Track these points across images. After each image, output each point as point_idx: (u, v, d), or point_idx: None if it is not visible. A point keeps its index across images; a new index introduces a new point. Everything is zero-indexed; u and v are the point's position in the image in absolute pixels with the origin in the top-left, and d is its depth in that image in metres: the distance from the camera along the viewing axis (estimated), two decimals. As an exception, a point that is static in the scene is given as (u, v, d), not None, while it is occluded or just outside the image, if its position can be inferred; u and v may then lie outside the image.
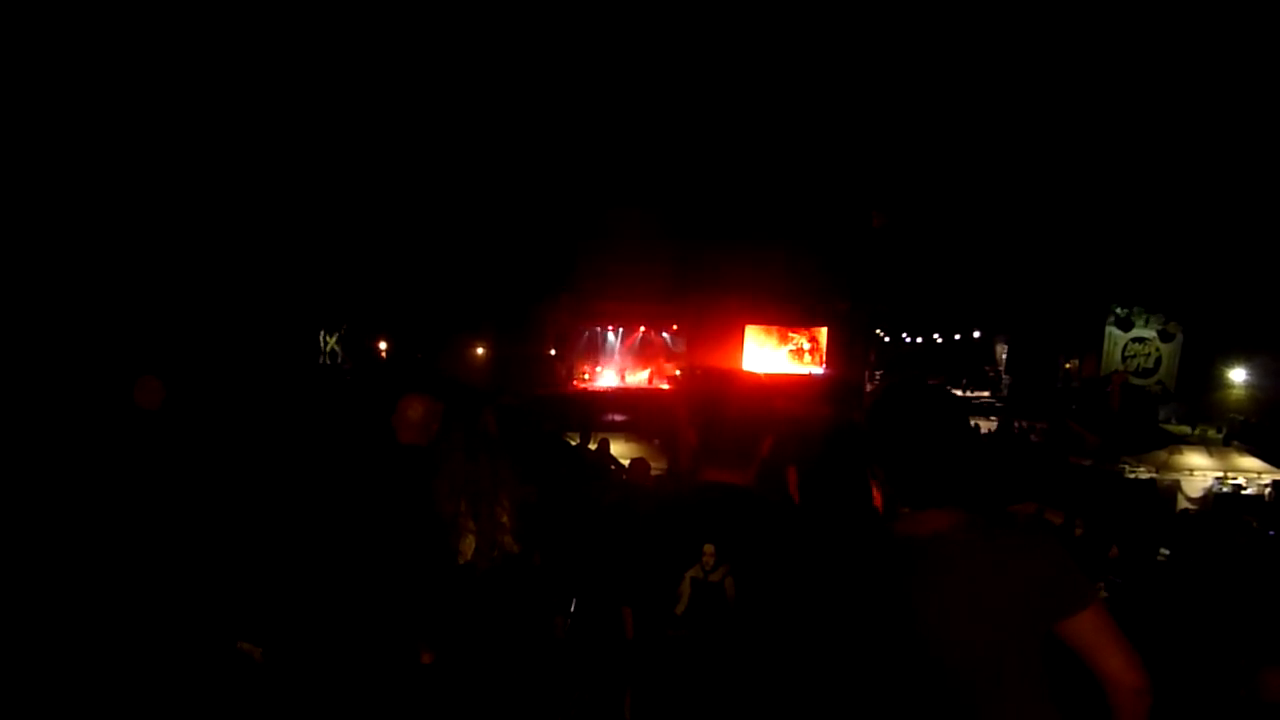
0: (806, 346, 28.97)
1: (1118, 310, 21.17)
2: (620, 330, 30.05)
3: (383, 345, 27.57)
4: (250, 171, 18.36)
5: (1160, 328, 21.25)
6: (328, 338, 24.42)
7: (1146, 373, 21.45)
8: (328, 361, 24.36)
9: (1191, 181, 20.55)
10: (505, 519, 3.02)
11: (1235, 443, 18.56)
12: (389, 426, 3.43)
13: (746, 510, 1.93)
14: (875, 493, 2.04)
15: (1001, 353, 33.40)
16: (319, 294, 22.27)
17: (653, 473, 8.34)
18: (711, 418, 2.09)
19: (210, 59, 16.55)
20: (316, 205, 20.75)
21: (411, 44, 20.11)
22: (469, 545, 3.01)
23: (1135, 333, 21.35)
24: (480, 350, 28.46)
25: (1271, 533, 11.40)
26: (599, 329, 29.91)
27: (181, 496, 4.05)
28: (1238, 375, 22.52)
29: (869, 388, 28.24)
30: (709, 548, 1.85)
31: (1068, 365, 28.56)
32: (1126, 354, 21.50)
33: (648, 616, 1.89)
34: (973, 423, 24.29)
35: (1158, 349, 21.36)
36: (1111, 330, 21.39)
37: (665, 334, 29.87)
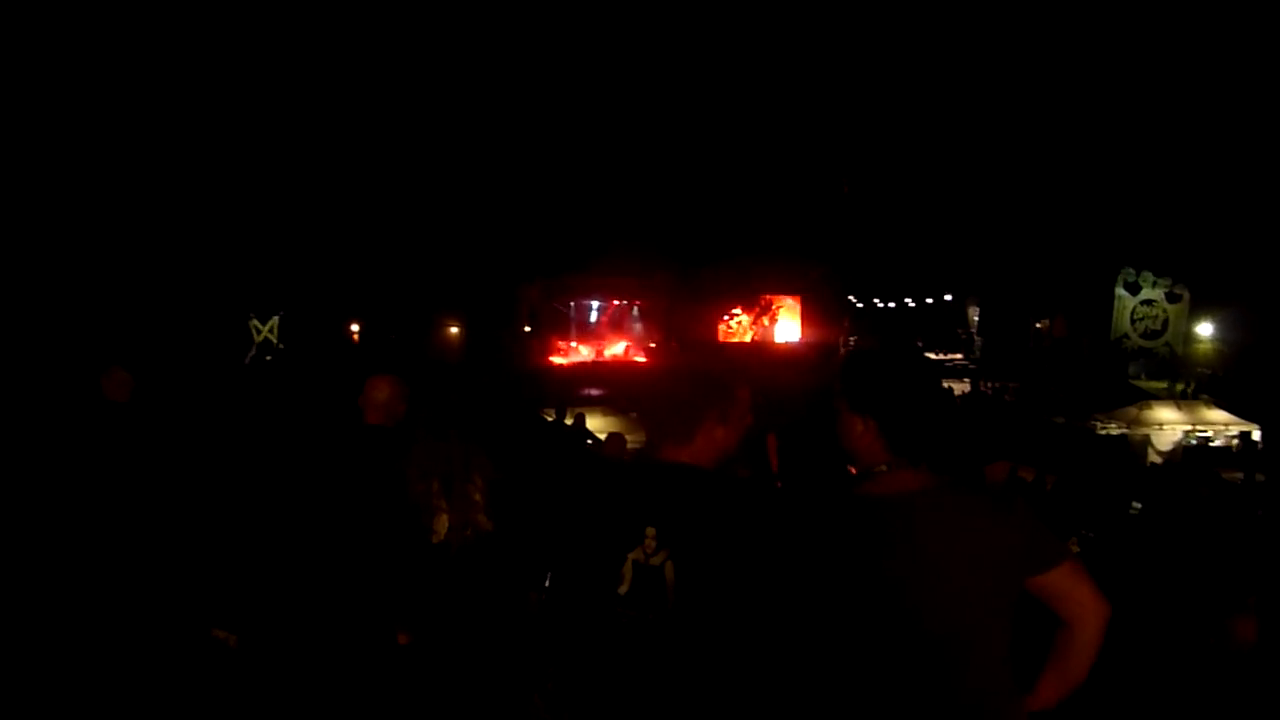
0: (780, 314, 29.09)
1: (1127, 274, 21.25)
2: (596, 305, 29.96)
3: (354, 328, 27.37)
4: (202, 152, 18.09)
5: (1167, 290, 21.37)
6: (259, 325, 23.54)
7: (1154, 335, 21.52)
8: (255, 351, 23.41)
9: (1156, 137, 20.68)
10: (478, 497, 3.01)
11: (1203, 396, 18.84)
12: (356, 408, 3.41)
13: (692, 493, 1.91)
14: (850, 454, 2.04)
15: (973, 315, 33.65)
16: (242, 279, 21.72)
17: (630, 445, 8.36)
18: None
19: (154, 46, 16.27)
20: (263, 190, 20.46)
21: (378, 27, 19.84)
22: (442, 524, 3.00)
23: (1143, 295, 21.44)
24: (455, 329, 28.34)
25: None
26: (574, 304, 29.80)
27: (153, 486, 4.02)
28: (1205, 330, 22.81)
29: (843, 353, 28.46)
30: (651, 530, 1.84)
31: (1038, 325, 28.82)
32: (1135, 317, 21.58)
33: (592, 596, 1.89)
34: (946, 385, 24.59)
35: (1165, 311, 21.47)
36: (1120, 294, 21.46)
37: (640, 307, 29.80)
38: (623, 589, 1.81)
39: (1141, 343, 21.47)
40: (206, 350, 18.42)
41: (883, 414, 1.93)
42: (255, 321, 23.37)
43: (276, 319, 23.48)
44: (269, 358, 22.97)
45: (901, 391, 1.94)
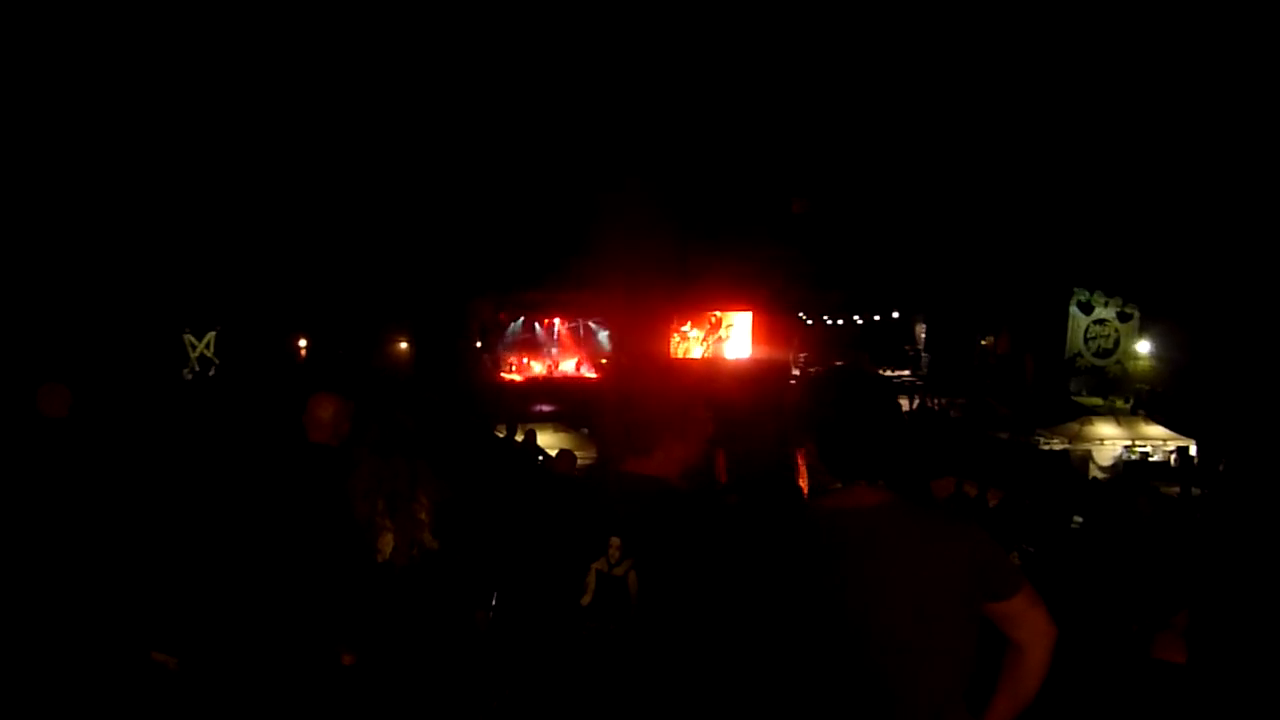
0: (732, 331, 29.28)
1: (1080, 294, 21.74)
2: (546, 320, 29.87)
3: (302, 343, 26.95)
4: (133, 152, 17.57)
5: (1119, 309, 21.88)
6: (195, 341, 22.78)
7: (1106, 353, 22.06)
8: (196, 368, 22.68)
9: (1094, 155, 21.18)
10: (423, 516, 2.99)
11: (1142, 412, 19.30)
12: (300, 427, 3.36)
13: (657, 503, 1.91)
14: (801, 471, 2.07)
15: (920, 332, 34.14)
16: (175, 292, 20.97)
17: (580, 462, 8.35)
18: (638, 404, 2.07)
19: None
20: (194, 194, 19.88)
21: (322, 41, 19.59)
22: (387, 544, 2.97)
23: (1096, 315, 21.93)
24: (404, 344, 28.06)
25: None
26: (524, 320, 29.67)
27: (92, 503, 3.92)
28: (1143, 346, 23.37)
29: (795, 371, 28.71)
30: (615, 540, 1.84)
31: (983, 342, 29.31)
32: (1089, 336, 22.09)
33: (555, 607, 1.88)
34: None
35: (1116, 330, 22.00)
36: (1074, 313, 21.96)
37: (591, 323, 29.78)
38: (586, 600, 1.81)
39: (1094, 361, 22.04)
40: (141, 366, 17.87)
41: (818, 438, 1.96)
42: (190, 337, 22.57)
43: (213, 334, 22.73)
44: (212, 373, 22.40)
45: (834, 417, 1.96)
